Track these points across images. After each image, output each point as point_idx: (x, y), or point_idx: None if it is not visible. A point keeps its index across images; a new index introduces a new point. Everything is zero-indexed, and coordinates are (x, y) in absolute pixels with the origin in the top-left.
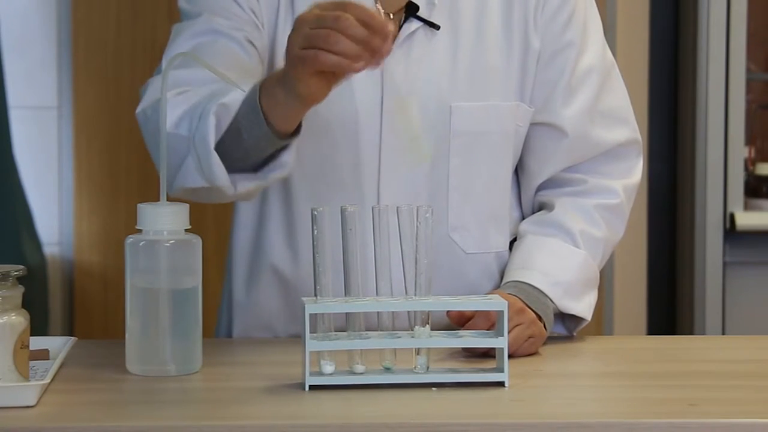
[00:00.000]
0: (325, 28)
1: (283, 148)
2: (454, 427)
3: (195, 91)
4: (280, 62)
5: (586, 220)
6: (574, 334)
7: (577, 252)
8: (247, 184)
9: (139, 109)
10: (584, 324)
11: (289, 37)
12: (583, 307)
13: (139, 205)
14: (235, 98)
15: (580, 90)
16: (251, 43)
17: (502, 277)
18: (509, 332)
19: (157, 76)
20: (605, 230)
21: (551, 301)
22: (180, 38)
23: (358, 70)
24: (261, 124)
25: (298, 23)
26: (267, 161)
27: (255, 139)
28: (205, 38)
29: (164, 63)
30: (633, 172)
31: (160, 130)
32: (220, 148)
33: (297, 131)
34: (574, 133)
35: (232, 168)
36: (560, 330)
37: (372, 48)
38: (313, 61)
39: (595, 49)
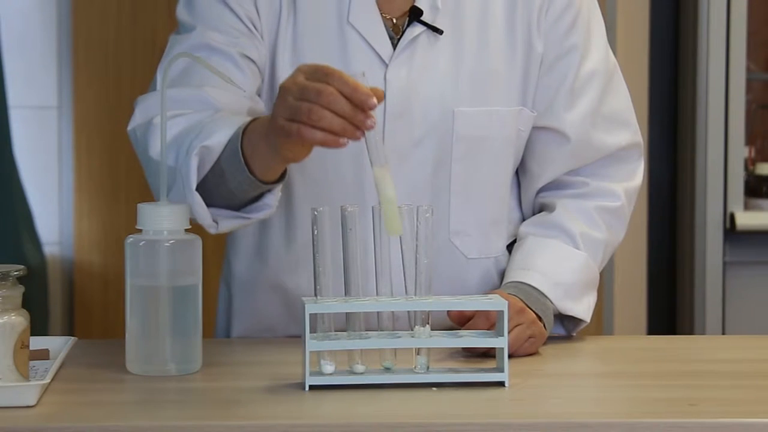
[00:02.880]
0: (308, 101)
1: (268, 189)
2: (454, 427)
3: (184, 118)
4: (282, 71)
5: (587, 222)
6: (574, 334)
7: (577, 254)
8: (229, 222)
9: (130, 127)
10: (583, 325)
11: (275, 104)
12: (583, 308)
13: (139, 204)
14: (218, 141)
15: (583, 94)
16: (247, 57)
17: (501, 281)
18: (509, 332)
19: (150, 93)
20: (606, 232)
21: (551, 302)
22: (174, 52)
23: (341, 145)
24: (243, 171)
25: (282, 91)
26: (251, 200)
27: (238, 183)
28: (199, 54)
29: (159, 75)
30: (634, 175)
31: (160, 130)
32: (204, 185)
33: (282, 177)
34: (576, 138)
35: (217, 203)
36: (559, 331)
37: (356, 122)
38: (297, 136)
39: (598, 52)
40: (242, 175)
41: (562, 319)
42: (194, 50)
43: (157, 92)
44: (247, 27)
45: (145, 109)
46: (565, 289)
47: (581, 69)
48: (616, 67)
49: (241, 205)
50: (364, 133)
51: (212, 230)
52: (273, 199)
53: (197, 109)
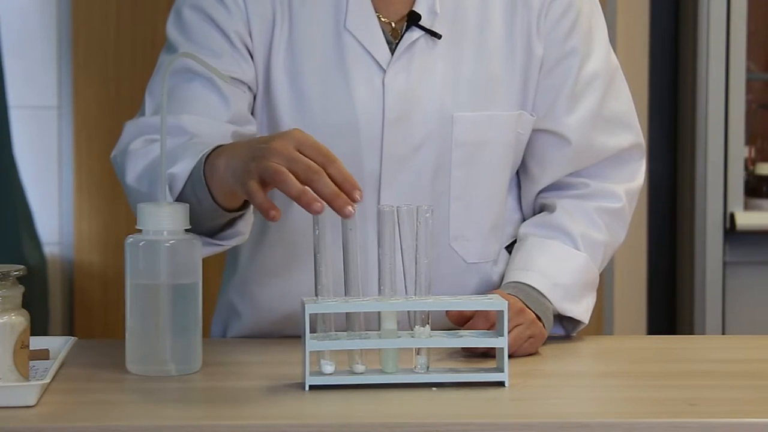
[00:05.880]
0: (293, 171)
1: (238, 216)
2: (454, 427)
3: (157, 145)
4: (277, 80)
5: (588, 223)
6: (573, 335)
7: (577, 255)
8: (206, 249)
9: (112, 154)
10: (582, 326)
11: (256, 156)
12: (582, 309)
13: (139, 204)
14: (182, 168)
15: (584, 97)
16: (234, 79)
17: (500, 283)
18: (509, 332)
19: (134, 120)
20: (606, 234)
21: (550, 302)
22: (159, 75)
23: (269, 217)
24: (207, 197)
25: (270, 152)
26: (224, 227)
27: (207, 211)
28: (180, 78)
29: (147, 97)
30: (636, 176)
31: (161, 127)
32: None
33: (245, 204)
34: (577, 141)
35: (196, 230)
36: (559, 331)
37: (336, 204)
38: (245, 192)
39: (599, 54)
40: (207, 202)
41: (562, 319)
42: (177, 74)
43: (139, 120)
44: (235, 46)
45: (125, 135)
46: (565, 289)
47: (582, 72)
48: (618, 67)
49: (216, 230)
50: (323, 208)
51: None
52: (244, 226)
53: (173, 135)
